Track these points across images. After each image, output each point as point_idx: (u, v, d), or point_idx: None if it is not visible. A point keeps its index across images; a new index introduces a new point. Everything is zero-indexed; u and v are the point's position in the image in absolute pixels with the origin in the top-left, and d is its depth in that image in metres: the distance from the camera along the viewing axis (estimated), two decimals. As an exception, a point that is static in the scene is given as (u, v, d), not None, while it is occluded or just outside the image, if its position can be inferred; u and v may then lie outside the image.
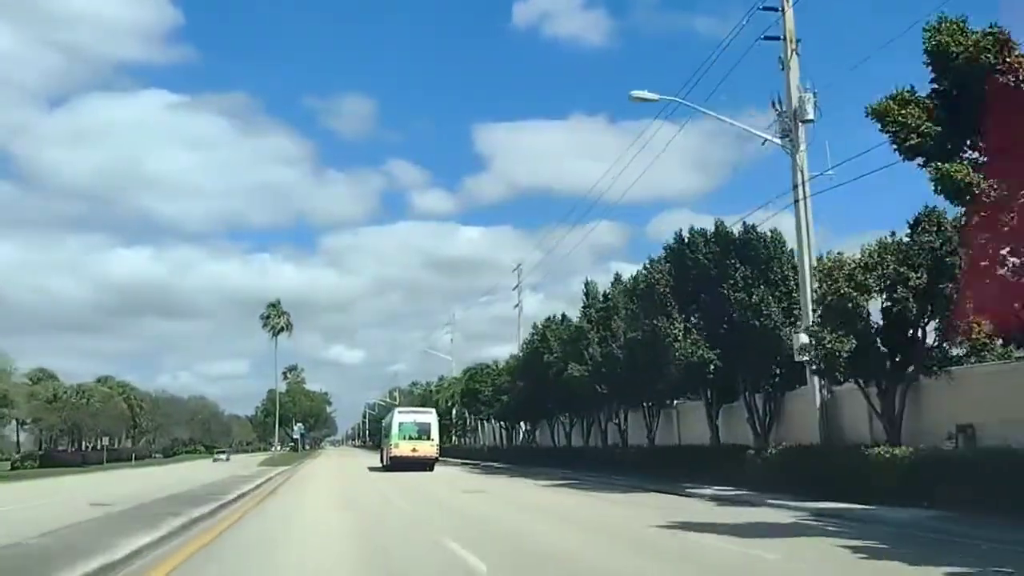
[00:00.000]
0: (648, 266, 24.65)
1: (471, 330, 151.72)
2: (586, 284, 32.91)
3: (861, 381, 16.78)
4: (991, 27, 11.64)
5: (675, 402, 29.48)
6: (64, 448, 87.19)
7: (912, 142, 12.22)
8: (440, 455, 39.74)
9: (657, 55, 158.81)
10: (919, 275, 14.98)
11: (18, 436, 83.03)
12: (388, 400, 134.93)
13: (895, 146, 12.55)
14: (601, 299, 32.26)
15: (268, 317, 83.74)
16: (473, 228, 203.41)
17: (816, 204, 19.27)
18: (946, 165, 11.47)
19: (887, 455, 15.06)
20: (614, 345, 28.64)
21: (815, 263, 17.93)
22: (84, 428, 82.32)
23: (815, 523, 13.77)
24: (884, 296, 15.66)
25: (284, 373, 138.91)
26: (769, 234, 21.46)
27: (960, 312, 13.85)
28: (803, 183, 18.91)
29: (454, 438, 76.22)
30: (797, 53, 19.18)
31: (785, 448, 19.20)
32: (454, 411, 73.41)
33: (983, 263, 11.47)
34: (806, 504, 15.69)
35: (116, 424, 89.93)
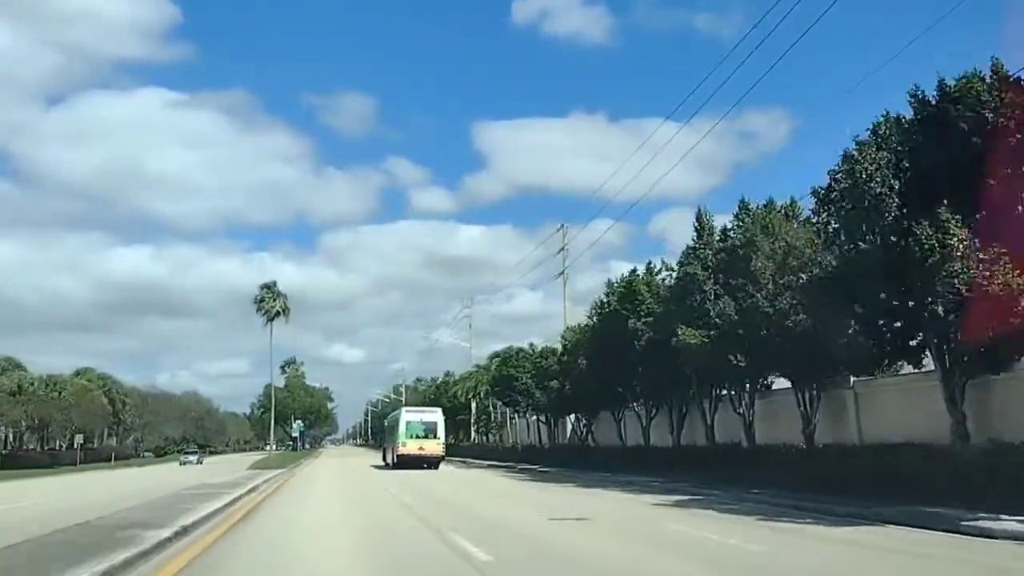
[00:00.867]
0: (858, 149, 14.72)
1: (476, 329, 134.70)
2: (698, 216, 22.91)
3: None
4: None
5: (853, 380, 19.76)
6: (34, 447, 77.65)
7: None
8: (447, 454, 40.10)
9: (658, 53, 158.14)
10: None
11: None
12: (394, 396, 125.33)
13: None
14: (719, 236, 22.50)
15: (262, 301, 73.94)
16: (473, 227, 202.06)
17: None
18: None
19: None
20: (759, 295, 18.93)
21: None
22: (53, 424, 72.38)
23: None
24: None
25: (282, 367, 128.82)
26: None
27: None
28: None
29: (475, 436, 66.31)
30: None
31: None
32: (474, 405, 63.76)
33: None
34: None
35: (93, 420, 79.98)
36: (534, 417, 48.45)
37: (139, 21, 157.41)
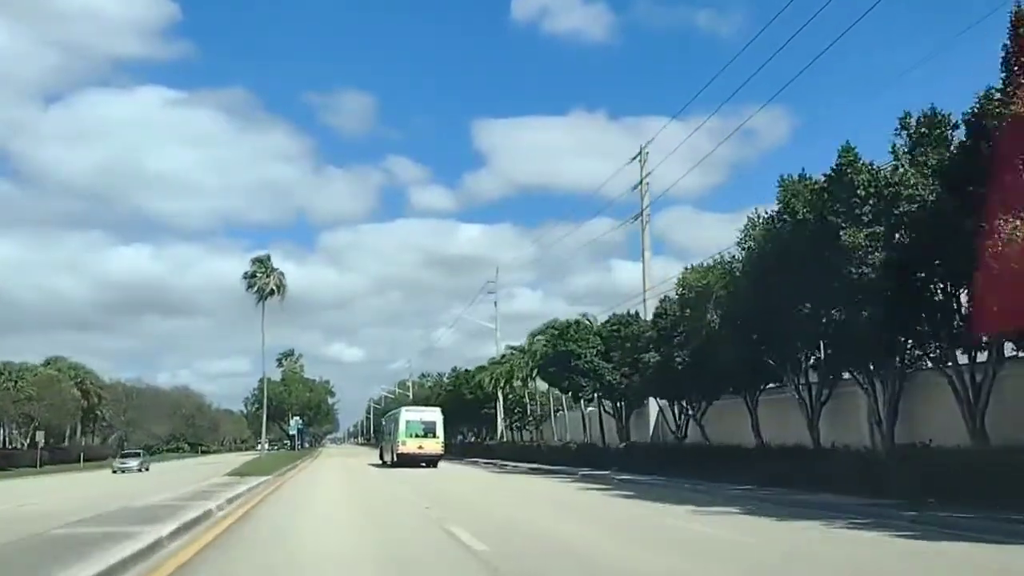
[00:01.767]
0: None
1: (473, 328, 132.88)
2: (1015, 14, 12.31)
3: None
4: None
5: None
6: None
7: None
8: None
9: (658, 50, 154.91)
10: None
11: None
12: (399, 391, 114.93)
13: None
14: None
15: (253, 276, 63.39)
16: (473, 226, 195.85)
17: None
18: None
19: None
20: None
21: None
22: (5, 419, 61.74)
23: None
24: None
25: (279, 360, 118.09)
26: None
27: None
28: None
29: (504, 432, 55.65)
30: None
31: None
32: (501, 395, 53.26)
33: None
34: None
35: (61, 415, 69.37)
36: (590, 408, 38.04)
37: (138, 19, 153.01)
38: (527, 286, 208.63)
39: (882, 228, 14.22)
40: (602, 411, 34.58)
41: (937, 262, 14.18)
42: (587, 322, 33.46)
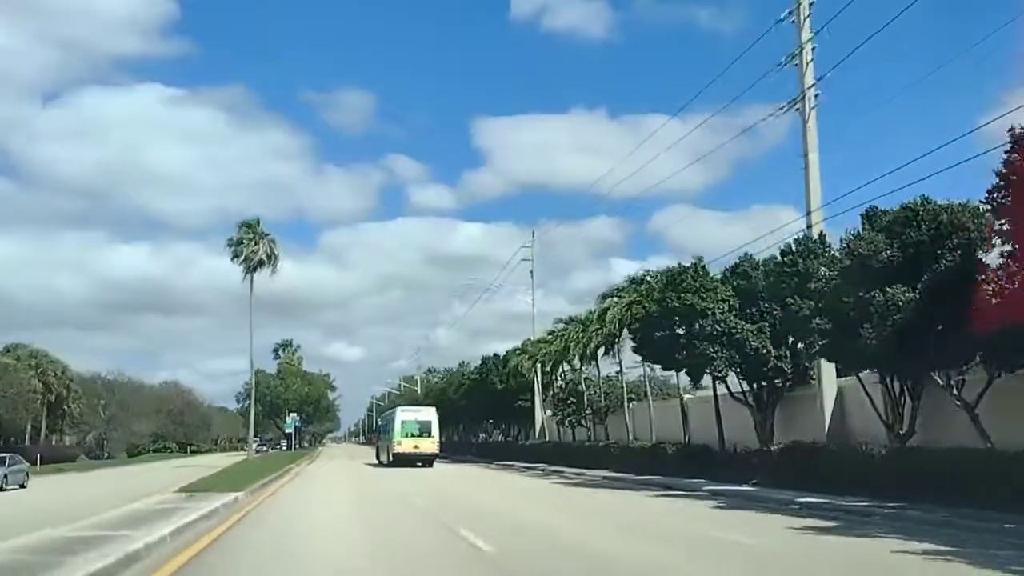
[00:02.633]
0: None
1: (473, 327, 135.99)
2: None
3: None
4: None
5: None
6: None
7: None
8: (440, 451, 40.27)
9: (659, 47, 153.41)
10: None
11: None
12: (407, 386, 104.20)
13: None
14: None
15: (239, 244, 52.57)
16: (473, 224, 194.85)
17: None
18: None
19: None
20: None
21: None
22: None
23: None
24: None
25: (275, 351, 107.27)
26: None
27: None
28: None
29: (545, 428, 44.83)
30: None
31: None
32: (547, 381, 42.69)
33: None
34: None
35: (15, 410, 58.63)
36: (698, 393, 27.50)
37: (137, 17, 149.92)
38: (527, 285, 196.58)
39: None
40: (731, 397, 23.63)
41: None
42: (703, 269, 22.71)
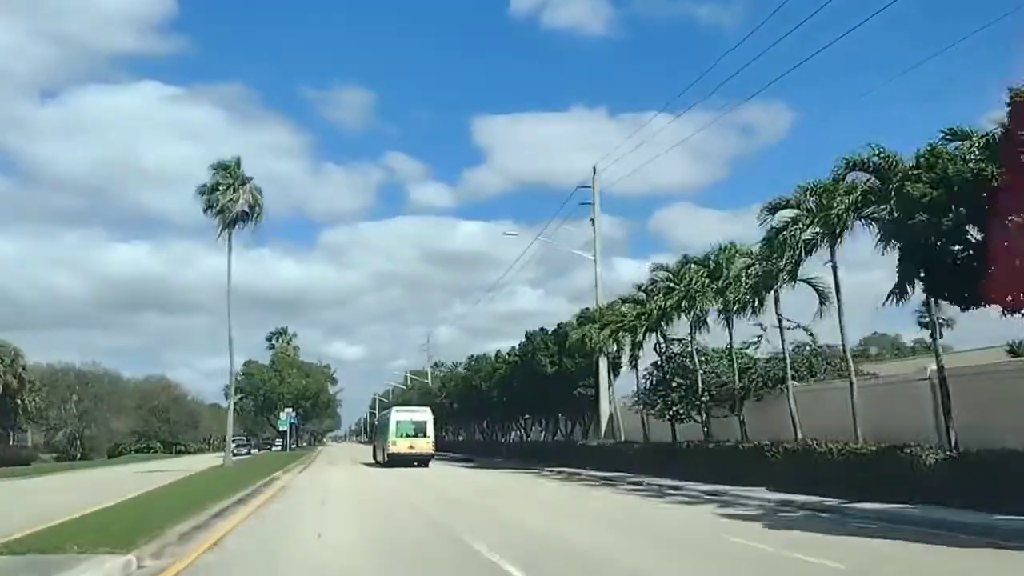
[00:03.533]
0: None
1: (472, 326, 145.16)
2: None
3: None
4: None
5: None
6: None
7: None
8: (436, 451, 40.68)
9: (659, 45, 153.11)
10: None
11: None
12: (417, 379, 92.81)
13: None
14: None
15: (213, 191, 41.11)
16: (473, 222, 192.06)
17: None
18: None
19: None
20: None
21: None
22: None
23: None
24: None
25: (269, 339, 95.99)
26: None
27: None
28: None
29: (620, 422, 33.11)
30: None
31: None
32: (604, 361, 31.27)
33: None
34: None
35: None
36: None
37: (134, 14, 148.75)
38: (528, 284, 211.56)
39: None
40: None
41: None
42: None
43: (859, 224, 15.30)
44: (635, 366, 29.00)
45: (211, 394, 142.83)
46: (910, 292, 13.66)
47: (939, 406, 15.51)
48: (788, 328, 19.95)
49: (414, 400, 75.15)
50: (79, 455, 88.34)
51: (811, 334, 21.77)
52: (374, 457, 45.56)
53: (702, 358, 25.48)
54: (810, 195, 16.24)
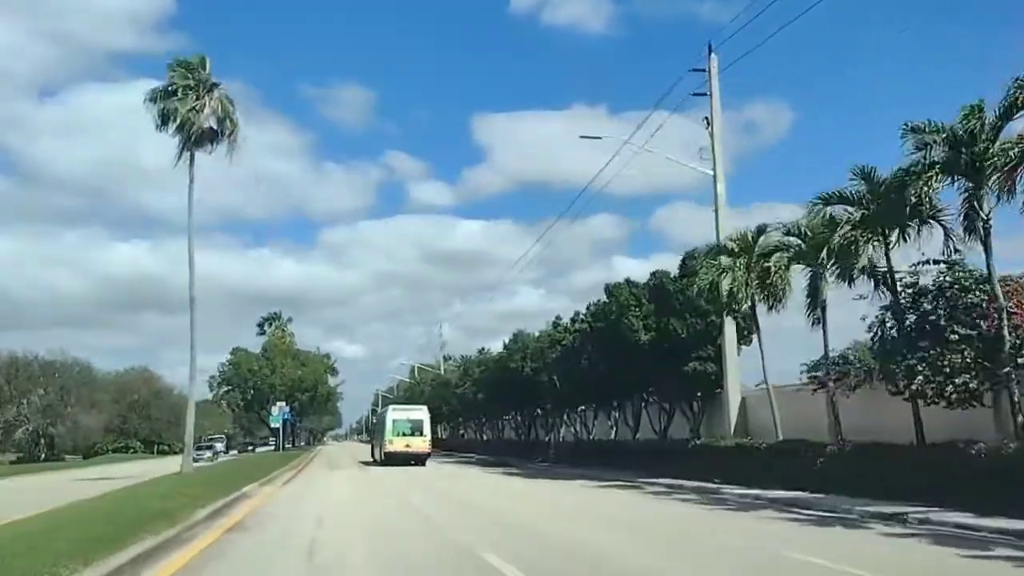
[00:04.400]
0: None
1: (470, 325, 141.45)
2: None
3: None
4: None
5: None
6: None
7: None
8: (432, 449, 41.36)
9: (660, 42, 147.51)
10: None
11: None
12: (430, 368, 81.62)
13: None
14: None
15: (171, 96, 29.91)
16: (473, 221, 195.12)
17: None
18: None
19: None
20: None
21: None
22: None
23: None
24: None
25: (261, 325, 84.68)
26: None
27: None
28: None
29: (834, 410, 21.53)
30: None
31: None
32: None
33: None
34: None
35: None
36: None
37: (133, 12, 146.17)
38: (529, 283, 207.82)
39: None
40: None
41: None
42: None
43: None
44: (820, 317, 17.73)
45: (207, 391, 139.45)
46: None
47: None
48: None
49: (426, 394, 65.92)
50: (42, 455, 77.51)
51: None
52: (372, 456, 45.03)
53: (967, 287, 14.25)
54: None
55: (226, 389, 75.53)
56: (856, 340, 18.61)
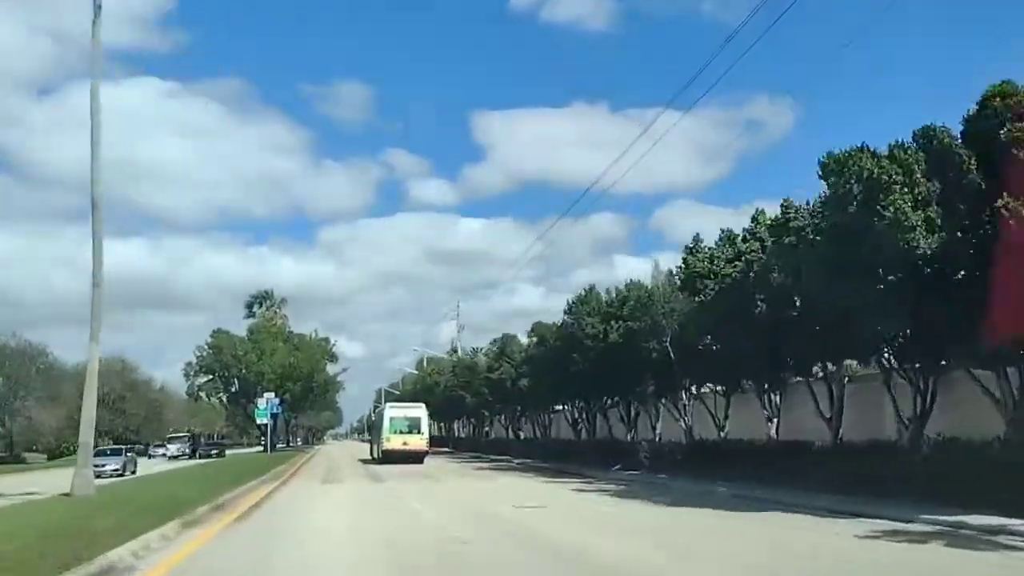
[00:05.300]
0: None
1: (471, 322, 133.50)
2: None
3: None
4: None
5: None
6: None
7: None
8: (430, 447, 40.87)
9: (661, 39, 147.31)
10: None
11: None
12: (446, 356, 69.59)
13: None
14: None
15: None
16: (473, 220, 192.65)
17: None
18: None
19: None
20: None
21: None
22: None
23: None
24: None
25: (249, 306, 72.23)
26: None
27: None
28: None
29: None
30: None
31: None
32: None
33: None
34: None
35: None
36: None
37: (132, 9, 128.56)
38: (529, 282, 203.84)
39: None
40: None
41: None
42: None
43: None
44: None
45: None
46: None
47: None
48: None
49: (442, 385, 55.81)
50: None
51: None
52: (370, 454, 45.32)
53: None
54: None
55: (206, 379, 63.21)
56: None
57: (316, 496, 19.89)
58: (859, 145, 14.44)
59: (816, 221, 14.61)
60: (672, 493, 19.01)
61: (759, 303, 16.88)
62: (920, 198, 13.26)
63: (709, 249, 19.35)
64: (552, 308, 54.07)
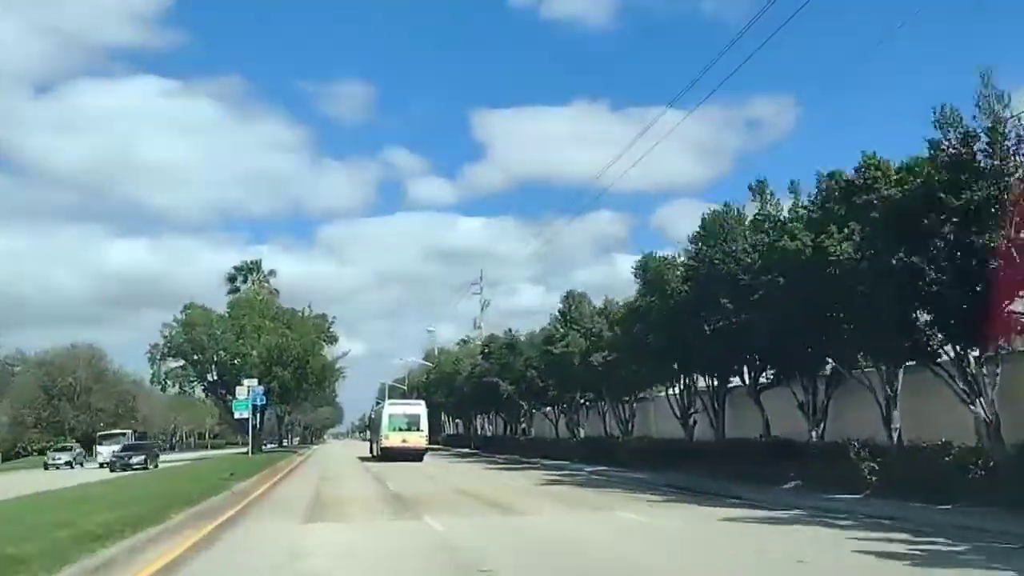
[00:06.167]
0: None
1: (469, 322, 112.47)
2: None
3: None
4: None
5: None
6: None
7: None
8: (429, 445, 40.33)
9: (662, 37, 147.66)
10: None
11: None
12: (458, 346, 57.59)
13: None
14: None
15: None
16: (473, 219, 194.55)
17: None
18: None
19: None
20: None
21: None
22: None
23: None
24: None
25: (232, 278, 60.20)
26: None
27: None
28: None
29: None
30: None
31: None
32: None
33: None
34: None
35: None
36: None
37: (131, 7, 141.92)
38: (529, 281, 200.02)
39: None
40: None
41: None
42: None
43: None
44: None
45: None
46: None
47: None
48: None
49: (465, 374, 48.49)
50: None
51: None
52: (370, 451, 44.81)
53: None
54: None
55: (176, 365, 51.32)
56: None
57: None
58: None
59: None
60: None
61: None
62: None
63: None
64: (552, 307, 44.79)
